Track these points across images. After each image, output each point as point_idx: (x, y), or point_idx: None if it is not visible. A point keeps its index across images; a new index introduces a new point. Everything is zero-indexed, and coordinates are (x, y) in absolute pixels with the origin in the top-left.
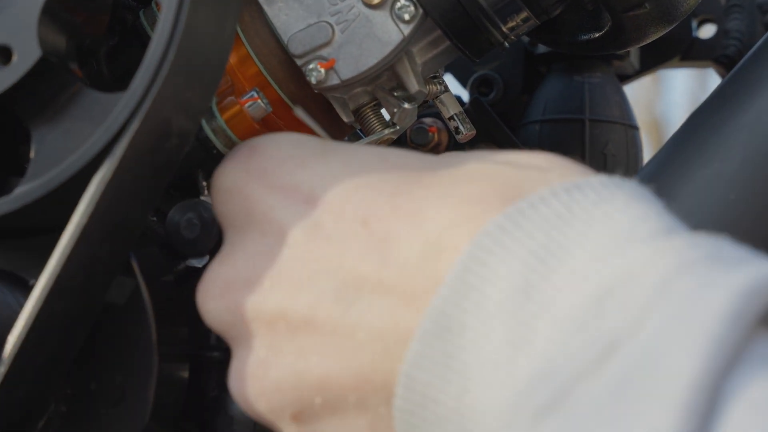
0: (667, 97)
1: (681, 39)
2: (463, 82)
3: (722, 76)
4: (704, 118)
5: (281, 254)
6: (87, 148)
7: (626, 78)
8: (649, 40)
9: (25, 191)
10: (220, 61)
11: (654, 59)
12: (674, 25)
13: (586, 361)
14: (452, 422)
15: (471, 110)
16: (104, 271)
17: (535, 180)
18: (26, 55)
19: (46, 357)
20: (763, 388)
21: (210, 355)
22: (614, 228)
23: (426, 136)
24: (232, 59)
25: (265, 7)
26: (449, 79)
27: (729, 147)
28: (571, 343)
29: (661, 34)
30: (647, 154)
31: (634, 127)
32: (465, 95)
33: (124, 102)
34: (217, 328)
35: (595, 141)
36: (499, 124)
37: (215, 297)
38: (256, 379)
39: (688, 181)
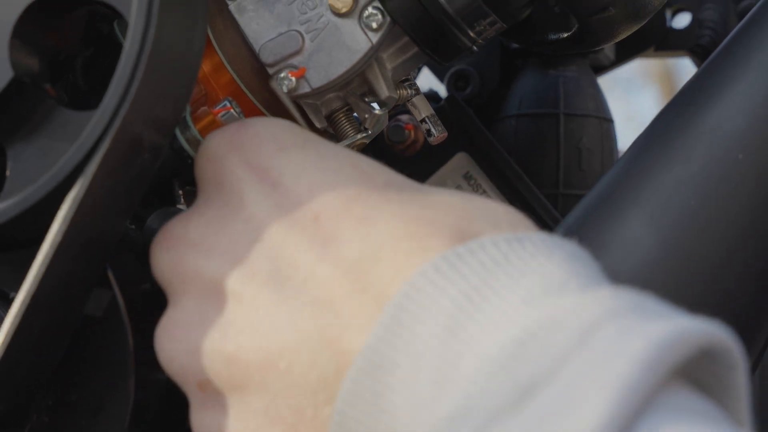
0: None
1: (655, 30)
2: (440, 77)
3: (697, 65)
4: (667, 121)
5: (232, 226)
6: (59, 167)
7: (601, 69)
8: (619, 39)
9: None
10: (190, 77)
11: (629, 50)
12: (645, 22)
13: (504, 403)
14: None
15: (447, 107)
16: (81, 285)
17: (485, 224)
18: None
19: (25, 370)
20: None
21: None
22: (547, 277)
23: (402, 134)
24: (206, 67)
25: (237, 16)
26: (426, 74)
27: (690, 152)
28: (491, 384)
29: (632, 31)
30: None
31: (609, 120)
32: (442, 89)
33: (95, 121)
34: (160, 279)
35: (570, 135)
36: (475, 122)
37: (163, 249)
38: (175, 338)
39: (651, 185)
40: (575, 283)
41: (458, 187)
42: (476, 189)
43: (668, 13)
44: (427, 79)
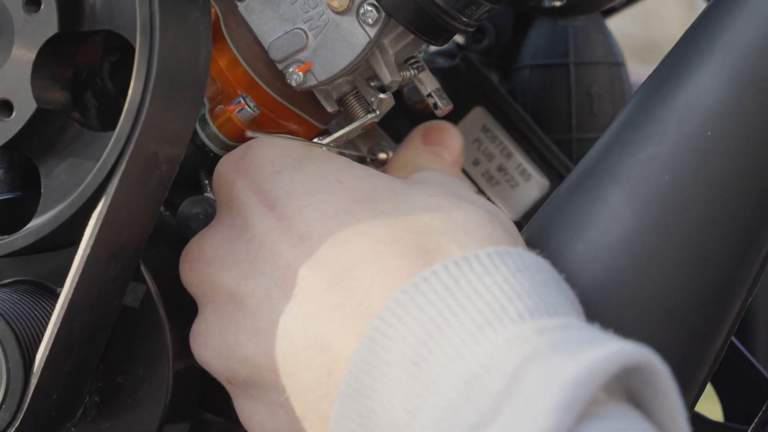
0: None
1: None
2: None
3: None
4: (642, 102)
5: (238, 245)
6: (83, 188)
7: (613, 11)
8: (608, 5)
9: (34, 228)
10: (199, 93)
11: None
12: None
13: None
14: None
15: (462, 66)
16: (116, 286)
17: (444, 236)
18: (24, 109)
19: (72, 365)
20: None
21: None
22: (489, 305)
23: (420, 94)
24: (222, 62)
25: (246, 17)
26: None
27: (662, 130)
28: (447, 425)
29: None
30: None
31: (619, 64)
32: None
33: (112, 144)
34: (189, 290)
35: (581, 83)
36: (488, 79)
37: (186, 266)
38: (203, 344)
39: (628, 163)
40: (513, 310)
41: (476, 140)
42: (493, 141)
43: None
44: None
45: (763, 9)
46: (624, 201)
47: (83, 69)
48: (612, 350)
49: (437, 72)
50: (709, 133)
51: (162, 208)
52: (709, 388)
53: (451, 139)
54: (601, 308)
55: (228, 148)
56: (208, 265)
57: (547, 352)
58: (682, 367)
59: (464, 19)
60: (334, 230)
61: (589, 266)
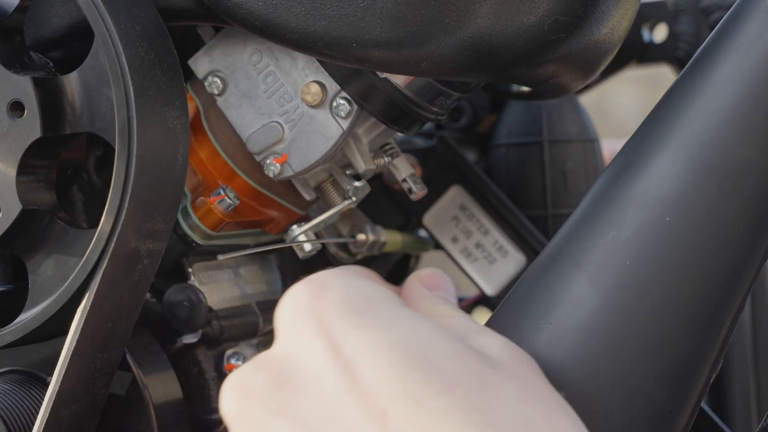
0: None
1: (632, 48)
2: None
3: (677, 74)
4: (603, 188)
5: (303, 397)
6: (67, 285)
7: (585, 87)
8: (578, 89)
9: (23, 323)
10: (177, 191)
11: (610, 68)
12: (600, 70)
13: None
14: None
15: (439, 147)
16: (103, 375)
17: None
18: (10, 209)
19: None
20: None
21: (210, 417)
22: None
23: None
24: (203, 154)
25: (225, 111)
26: None
27: (623, 217)
28: None
29: (589, 81)
30: None
31: (591, 141)
32: None
33: (94, 242)
34: (226, 419)
35: (555, 161)
36: (464, 159)
37: (235, 395)
38: None
39: (591, 248)
40: None
41: (455, 218)
42: (471, 218)
43: (646, 28)
44: None
45: (717, 98)
46: (588, 285)
47: (68, 166)
48: None
49: (415, 152)
50: (667, 219)
51: (148, 295)
52: None
53: (446, 283)
54: (568, 389)
55: (209, 238)
56: (261, 404)
57: None
58: None
59: (434, 108)
60: (422, 418)
61: (555, 348)
